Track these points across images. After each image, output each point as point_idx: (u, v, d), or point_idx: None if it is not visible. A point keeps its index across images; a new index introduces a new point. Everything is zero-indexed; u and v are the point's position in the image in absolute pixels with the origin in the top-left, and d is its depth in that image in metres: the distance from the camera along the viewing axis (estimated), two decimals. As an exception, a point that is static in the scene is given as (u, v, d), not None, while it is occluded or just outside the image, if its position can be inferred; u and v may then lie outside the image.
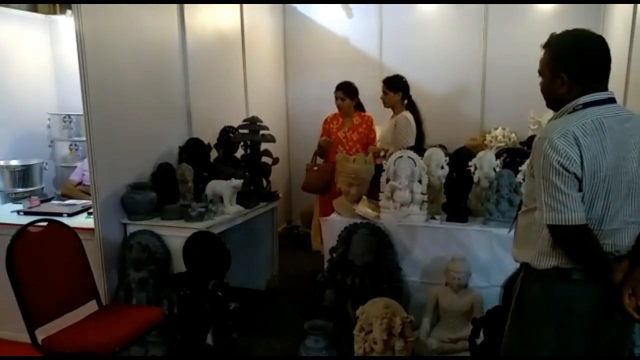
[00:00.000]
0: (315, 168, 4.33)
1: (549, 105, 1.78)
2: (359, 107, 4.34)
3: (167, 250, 3.24)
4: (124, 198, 3.27)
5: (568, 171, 1.54)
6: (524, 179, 3.05)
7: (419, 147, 3.75)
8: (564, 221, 1.55)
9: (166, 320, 2.95)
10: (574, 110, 1.63)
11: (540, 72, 1.75)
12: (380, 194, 3.23)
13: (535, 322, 1.72)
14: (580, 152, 1.54)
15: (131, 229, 3.31)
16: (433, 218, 3.16)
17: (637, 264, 1.63)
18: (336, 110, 4.39)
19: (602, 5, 4.68)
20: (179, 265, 3.16)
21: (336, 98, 4.23)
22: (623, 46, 3.96)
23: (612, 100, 1.65)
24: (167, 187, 3.49)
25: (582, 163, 1.54)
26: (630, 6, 3.88)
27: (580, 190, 1.57)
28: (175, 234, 3.21)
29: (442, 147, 4.53)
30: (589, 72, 1.64)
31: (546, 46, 1.73)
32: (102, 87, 3.08)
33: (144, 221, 3.28)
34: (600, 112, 1.60)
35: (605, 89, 1.66)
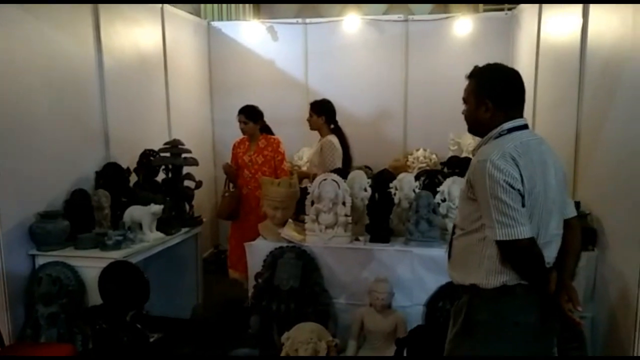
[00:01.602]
0: (226, 194, 4.30)
1: (470, 131, 1.94)
2: (266, 130, 4.34)
3: (81, 282, 3.06)
4: (33, 228, 3.06)
5: (513, 188, 1.66)
6: (443, 200, 3.19)
7: (347, 170, 3.81)
8: (516, 235, 1.66)
9: (80, 357, 2.76)
10: (500, 135, 1.79)
11: (465, 100, 1.90)
12: (306, 217, 3.24)
13: (487, 341, 1.79)
14: (519, 170, 1.67)
15: (40, 260, 3.10)
16: (357, 239, 3.20)
17: (565, 273, 1.79)
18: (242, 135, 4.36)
19: (511, 36, 5.02)
20: (94, 297, 2.99)
21: (239, 122, 4.21)
22: (529, 74, 4.28)
23: (527, 126, 1.84)
24: (82, 215, 3.32)
25: (522, 180, 1.67)
26: (534, 38, 4.20)
27: (523, 205, 1.68)
28: (90, 265, 3.04)
29: (368, 168, 4.66)
30: (510, 100, 1.83)
31: (471, 76, 1.89)
32: (6, 109, 2.89)
33: (55, 252, 3.08)
34: (524, 136, 1.78)
35: (521, 115, 1.84)
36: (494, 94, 1.81)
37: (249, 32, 5.47)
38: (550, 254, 1.79)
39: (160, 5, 4.63)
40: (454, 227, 1.96)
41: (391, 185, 3.29)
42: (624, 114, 2.64)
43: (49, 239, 3.08)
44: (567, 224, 1.86)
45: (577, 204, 3.04)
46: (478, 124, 1.87)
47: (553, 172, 1.77)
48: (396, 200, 3.27)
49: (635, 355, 2.39)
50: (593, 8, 3.11)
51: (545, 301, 1.76)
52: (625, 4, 2.62)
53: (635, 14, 2.53)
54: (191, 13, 5.58)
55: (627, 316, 2.50)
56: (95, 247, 3.11)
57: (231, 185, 4.32)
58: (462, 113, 1.92)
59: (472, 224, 1.80)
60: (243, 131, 4.25)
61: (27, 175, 3.06)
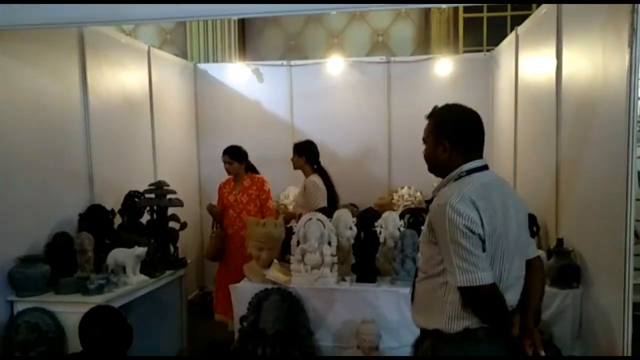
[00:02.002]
0: (213, 235, 4.29)
1: (430, 170, 1.92)
2: (251, 169, 4.37)
3: (61, 328, 2.99)
4: (12, 272, 3.01)
5: (473, 233, 1.63)
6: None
7: (333, 208, 3.83)
8: (477, 281, 1.62)
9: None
10: (460, 177, 1.76)
11: (425, 140, 1.89)
12: (291, 257, 3.22)
13: None
14: (479, 214, 1.64)
15: (19, 306, 3.03)
16: (343, 280, 3.18)
17: (526, 315, 1.76)
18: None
19: (490, 76, 5.17)
20: (74, 344, 2.90)
21: (224, 162, 4.24)
22: (509, 113, 4.39)
23: (487, 167, 1.82)
24: (64, 258, 3.27)
25: (482, 224, 1.64)
26: (513, 77, 4.33)
27: (484, 250, 1.66)
28: (70, 310, 2.97)
29: (354, 205, 4.68)
30: (468, 141, 1.81)
31: (430, 116, 1.88)
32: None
33: (34, 297, 3.02)
34: (484, 178, 1.76)
35: (481, 156, 1.83)
36: (452, 134, 1.79)
37: (235, 73, 5.57)
38: (512, 297, 1.76)
39: (146, 48, 4.71)
40: (417, 269, 1.93)
41: (376, 224, 3.30)
42: (599, 152, 2.70)
43: (28, 284, 3.02)
44: (529, 265, 1.85)
45: (560, 241, 3.09)
46: (437, 165, 1.85)
47: (513, 214, 1.75)
48: (382, 239, 3.27)
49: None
50: (566, 50, 3.23)
51: (509, 345, 1.73)
52: (594, 47, 2.72)
53: (605, 55, 2.62)
54: (177, 55, 5.69)
55: (614, 352, 2.48)
56: (76, 292, 3.06)
57: (217, 225, 4.31)
58: (423, 153, 1.91)
59: (433, 268, 1.76)
60: (228, 171, 4.28)
61: (8, 218, 3.02)
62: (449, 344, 1.74)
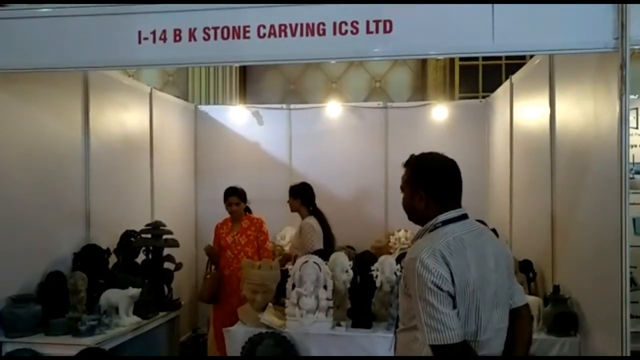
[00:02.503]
0: (208, 276, 4.26)
1: (410, 219, 1.88)
2: (247, 210, 4.40)
3: (49, 371, 2.91)
4: (3, 312, 2.98)
5: (442, 290, 1.58)
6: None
7: (329, 250, 3.81)
8: (445, 340, 1.57)
9: None
10: (435, 227, 1.74)
11: (402, 188, 1.87)
12: (287, 301, 3.18)
13: None
14: (449, 269, 1.60)
15: (8, 347, 2.97)
16: (339, 325, 3.13)
17: None
18: (227, 216, 4.40)
19: (486, 122, 5.27)
20: (63, 389, 2.84)
21: (230, 204, 4.25)
22: (504, 158, 4.44)
23: (465, 216, 1.79)
24: (56, 298, 3.23)
25: (452, 280, 1.60)
26: (508, 124, 4.42)
27: (455, 307, 1.61)
28: (60, 352, 2.92)
29: (350, 248, 4.66)
30: (443, 191, 1.78)
31: (407, 165, 1.86)
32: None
33: (24, 338, 2.96)
34: (459, 229, 1.72)
35: (459, 205, 1.80)
36: (427, 184, 1.76)
37: (235, 116, 5.65)
38: (493, 350, 1.71)
39: (149, 90, 4.80)
40: (397, 319, 1.89)
41: (373, 267, 3.28)
42: (593, 199, 2.72)
43: (18, 325, 2.98)
44: (516, 313, 1.80)
45: (557, 288, 3.07)
46: (414, 214, 1.82)
47: (493, 264, 1.71)
48: (378, 284, 3.25)
49: None
50: (559, 99, 3.30)
51: None
52: (586, 97, 2.80)
53: (596, 105, 2.68)
54: (179, 97, 5.79)
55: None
56: (67, 333, 3.01)
57: (213, 267, 4.28)
58: (402, 201, 1.88)
59: (410, 321, 1.73)
60: (233, 212, 4.28)
61: (1, 256, 3.00)
62: None
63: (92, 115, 3.85)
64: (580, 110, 2.97)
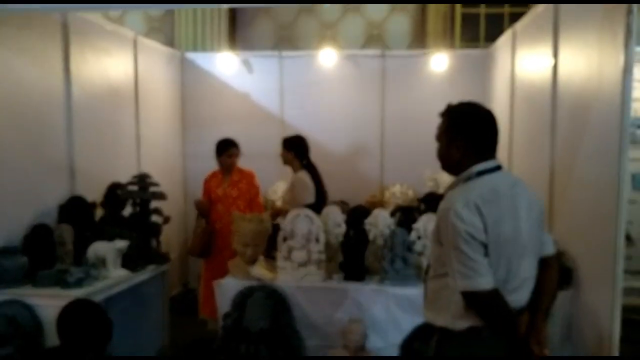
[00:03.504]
0: (198, 231, 4.19)
1: (444, 168, 1.91)
2: None
3: (39, 322, 2.90)
4: (-12, 264, 2.90)
5: (475, 239, 1.64)
6: (419, 238, 3.14)
7: (321, 205, 3.75)
8: (475, 287, 1.65)
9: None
10: (469, 179, 1.77)
11: (438, 138, 1.88)
12: (277, 254, 3.15)
13: None
14: (483, 220, 1.65)
15: (-4, 300, 2.92)
16: (330, 278, 3.12)
17: (536, 313, 1.77)
18: (216, 169, 4.31)
19: (487, 72, 5.11)
20: (52, 338, 2.82)
21: (231, 155, 4.16)
22: (505, 111, 4.34)
23: (500, 167, 1.81)
24: (42, 251, 3.18)
25: (485, 230, 1.65)
26: (509, 75, 4.29)
27: (486, 255, 1.66)
28: (49, 304, 2.88)
29: (344, 203, 4.61)
30: (482, 141, 1.80)
31: (444, 115, 1.87)
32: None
33: (11, 290, 2.92)
34: (493, 180, 1.76)
35: (494, 157, 1.82)
36: (465, 134, 1.79)
37: (224, 64, 5.44)
38: (521, 297, 1.77)
39: (133, 36, 4.60)
40: (428, 266, 1.95)
41: (366, 221, 3.24)
42: (593, 153, 2.67)
43: (5, 276, 2.93)
44: (544, 262, 1.84)
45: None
46: (450, 164, 1.86)
47: (525, 215, 1.75)
48: (371, 237, 3.21)
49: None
50: (563, 48, 3.18)
51: (514, 344, 1.73)
52: (591, 46, 2.69)
53: (601, 55, 2.58)
54: (164, 44, 5.56)
55: (601, 354, 2.46)
56: (55, 285, 2.97)
57: (203, 220, 4.21)
58: (437, 151, 1.90)
59: (441, 268, 1.79)
60: (232, 165, 4.19)
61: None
62: (454, 341, 1.77)
63: (73, 63, 3.68)
64: (584, 60, 2.86)
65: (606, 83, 2.48)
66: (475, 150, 1.78)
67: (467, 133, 1.79)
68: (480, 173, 1.76)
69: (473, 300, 1.68)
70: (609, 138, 2.40)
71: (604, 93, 2.52)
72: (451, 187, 1.83)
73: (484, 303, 1.68)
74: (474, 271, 1.64)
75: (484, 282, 1.64)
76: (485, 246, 1.66)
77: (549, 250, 1.88)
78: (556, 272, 1.89)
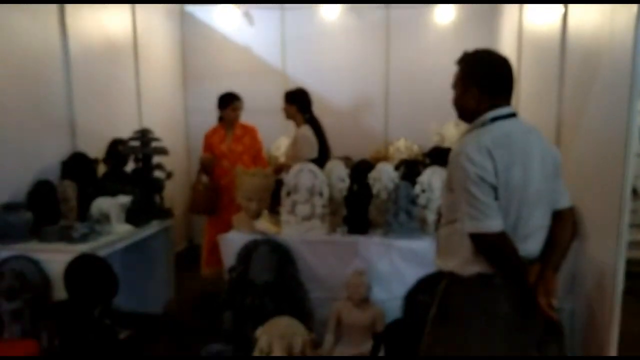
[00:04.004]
0: (200, 187, 4.15)
1: (460, 117, 1.90)
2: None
3: (46, 276, 2.92)
4: (-6, 220, 2.91)
5: (485, 181, 1.65)
6: (423, 191, 3.12)
7: (324, 160, 3.72)
8: (484, 229, 1.66)
9: (45, 353, 2.65)
10: (483, 125, 1.76)
11: (454, 86, 1.87)
12: (281, 208, 3.15)
13: (460, 327, 1.79)
14: (493, 163, 1.66)
15: (2, 254, 2.95)
16: (334, 231, 3.12)
17: (547, 264, 1.75)
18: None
19: (494, 24, 4.96)
20: (59, 292, 2.86)
21: (235, 109, 4.10)
22: (512, 58, 4.22)
23: (514, 114, 1.79)
24: (46, 207, 3.18)
25: (496, 173, 1.66)
26: (516, 26, 4.16)
27: (496, 199, 1.66)
28: (55, 259, 2.89)
29: (347, 158, 4.58)
30: (497, 88, 1.79)
31: (460, 62, 1.85)
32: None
33: (18, 245, 2.94)
34: (507, 126, 1.74)
35: (509, 104, 1.80)
36: (480, 80, 1.78)
37: (224, 17, 5.30)
38: (531, 246, 1.76)
39: (130, -12, 4.47)
40: (440, 215, 1.97)
41: (370, 175, 3.21)
42: (603, 104, 2.61)
43: (11, 232, 2.94)
44: (558, 215, 1.83)
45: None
46: (465, 111, 1.84)
47: (538, 164, 1.74)
48: (375, 191, 3.19)
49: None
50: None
51: (522, 293, 1.73)
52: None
53: (613, 4, 2.49)
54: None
55: (603, 307, 2.48)
56: (60, 240, 2.98)
57: (204, 177, 4.18)
58: (453, 99, 1.89)
59: (452, 214, 1.80)
60: (234, 119, 4.14)
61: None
62: (461, 287, 1.79)
63: (69, 17, 3.58)
64: (595, 8, 2.76)
65: (618, 32, 2.40)
66: (490, 97, 1.77)
67: (482, 80, 1.78)
68: (494, 119, 1.75)
69: (481, 242, 1.69)
70: (618, 89, 2.34)
71: (615, 43, 2.44)
72: (467, 132, 1.83)
73: (492, 246, 1.69)
74: (482, 213, 1.64)
75: (493, 224, 1.65)
76: (495, 189, 1.66)
77: (565, 203, 1.86)
78: (570, 226, 1.87)
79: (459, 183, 1.70)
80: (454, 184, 1.74)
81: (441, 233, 1.91)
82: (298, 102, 4.02)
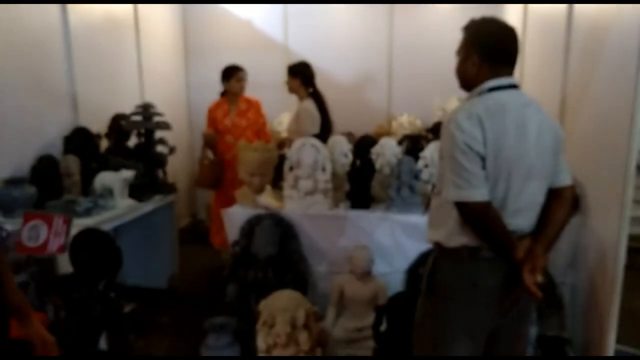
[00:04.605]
0: (205, 162, 4.15)
1: (461, 86, 1.85)
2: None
3: (50, 250, 2.93)
4: (-2, 194, 2.91)
5: (472, 149, 1.61)
6: (426, 166, 3.11)
7: (326, 135, 3.70)
8: (466, 198, 1.62)
9: (52, 326, 2.68)
10: (480, 94, 1.72)
11: (457, 53, 1.83)
12: (284, 183, 3.14)
13: (445, 298, 1.78)
14: (483, 132, 1.61)
15: (8, 228, 2.94)
16: (337, 207, 3.12)
17: (538, 241, 1.71)
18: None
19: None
20: (65, 265, 2.88)
21: (240, 79, 4.07)
22: (517, 31, 4.16)
23: (515, 86, 1.74)
24: (49, 181, 3.19)
25: (485, 143, 1.61)
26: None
27: (483, 168, 1.63)
28: (59, 233, 2.91)
29: (349, 134, 4.55)
30: (498, 57, 1.73)
31: (465, 29, 1.80)
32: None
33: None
34: (505, 97, 1.69)
35: (511, 75, 1.75)
36: (482, 48, 1.73)
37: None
38: (522, 222, 1.71)
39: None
40: (434, 185, 1.96)
41: (372, 151, 3.20)
42: (608, 78, 2.57)
43: (14, 206, 2.94)
44: (556, 192, 1.77)
45: (561, 169, 3.01)
46: (465, 79, 1.80)
47: (534, 137, 1.67)
48: (377, 166, 3.18)
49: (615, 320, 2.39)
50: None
51: (508, 268, 1.69)
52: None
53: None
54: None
55: (604, 281, 2.48)
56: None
57: (210, 152, 4.18)
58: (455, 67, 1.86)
59: (442, 184, 1.77)
60: (240, 90, 4.11)
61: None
62: (448, 258, 1.77)
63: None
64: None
65: (625, 5, 2.33)
66: (491, 66, 1.72)
67: (484, 47, 1.72)
68: (492, 89, 1.70)
69: (465, 212, 1.65)
70: (625, 64, 2.28)
71: (622, 16, 2.38)
72: (465, 101, 1.79)
73: (476, 215, 1.65)
74: (467, 182, 1.61)
75: (477, 193, 1.61)
76: (483, 159, 1.62)
77: (563, 181, 1.79)
78: (568, 205, 1.80)
79: (446, 151, 1.67)
80: (443, 151, 1.71)
81: (432, 203, 1.88)
82: (301, 75, 3.98)
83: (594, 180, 2.75)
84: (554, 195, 1.77)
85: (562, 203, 1.78)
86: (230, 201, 3.67)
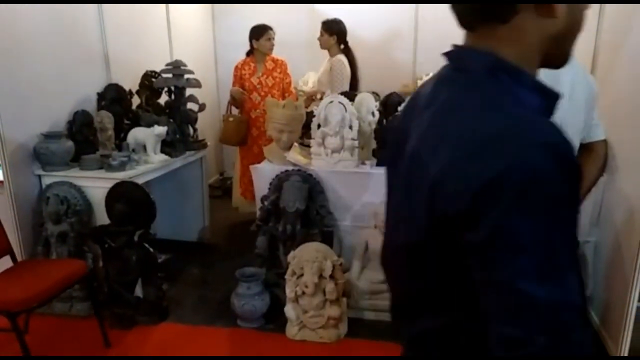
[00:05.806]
0: (231, 119, 4.20)
1: None
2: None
3: (88, 201, 3.08)
4: (37, 148, 3.04)
5: None
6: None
7: (354, 93, 3.71)
8: None
9: (90, 274, 2.83)
10: None
11: None
12: (311, 141, 3.19)
13: None
14: None
15: (47, 180, 3.10)
16: (363, 164, 3.16)
17: None
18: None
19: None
20: (101, 216, 3.03)
21: (269, 38, 4.11)
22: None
23: None
24: (85, 136, 3.30)
25: None
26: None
27: None
28: (95, 185, 3.06)
29: (374, 93, 4.53)
30: None
31: None
32: (4, 29, 2.81)
33: (60, 172, 3.08)
34: None
35: None
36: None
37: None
38: None
39: None
40: None
41: (399, 108, 3.21)
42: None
43: (53, 159, 3.06)
44: (587, 147, 1.76)
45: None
46: None
47: (567, 92, 1.65)
48: (404, 124, 3.19)
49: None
50: None
51: None
52: None
53: None
54: None
55: (631, 239, 2.49)
56: (100, 168, 3.11)
57: (235, 109, 4.24)
58: None
59: None
60: (269, 49, 4.14)
61: (28, 96, 3.00)
62: None
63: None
64: None
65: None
66: None
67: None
68: None
69: None
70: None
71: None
72: None
73: None
74: None
75: None
76: None
77: (596, 135, 1.77)
78: (600, 160, 1.79)
79: None
80: None
81: None
82: (337, 32, 3.97)
83: (623, 139, 2.71)
84: (586, 150, 1.76)
85: (595, 158, 1.77)
86: (255, 158, 3.76)
